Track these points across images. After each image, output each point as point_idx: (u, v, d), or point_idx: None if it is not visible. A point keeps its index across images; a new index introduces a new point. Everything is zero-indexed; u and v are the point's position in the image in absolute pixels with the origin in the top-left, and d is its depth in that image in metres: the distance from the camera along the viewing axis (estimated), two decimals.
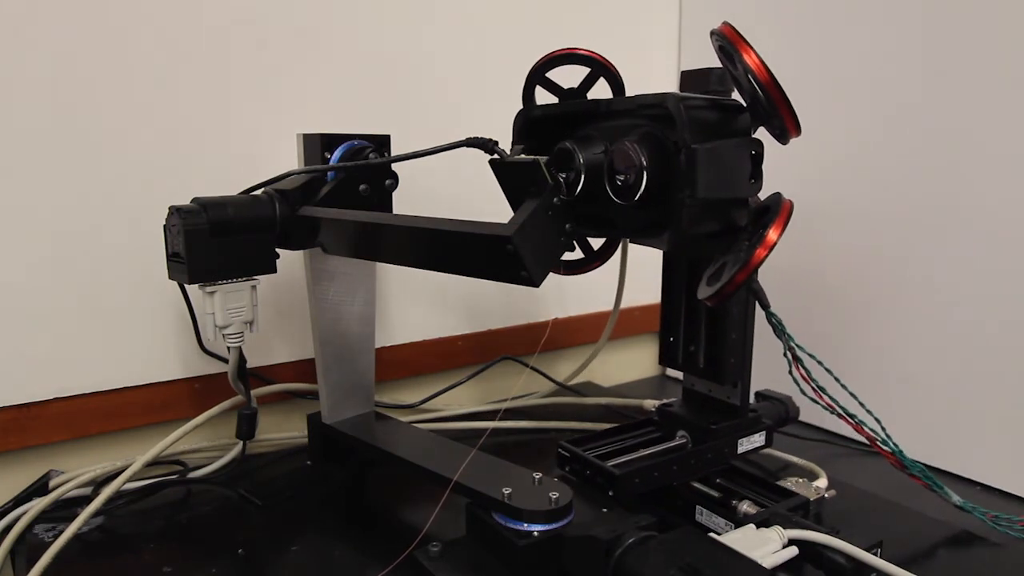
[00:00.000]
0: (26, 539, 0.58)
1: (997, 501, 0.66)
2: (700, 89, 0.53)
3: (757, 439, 0.60)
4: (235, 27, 0.70)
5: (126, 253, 0.68)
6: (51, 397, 0.66)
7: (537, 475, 0.54)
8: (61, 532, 0.56)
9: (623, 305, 0.82)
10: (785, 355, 0.49)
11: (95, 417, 0.68)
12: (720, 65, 0.49)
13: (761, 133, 0.48)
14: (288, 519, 0.61)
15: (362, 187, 0.64)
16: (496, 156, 0.52)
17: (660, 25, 0.99)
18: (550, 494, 0.50)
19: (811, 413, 0.64)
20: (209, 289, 0.59)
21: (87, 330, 0.67)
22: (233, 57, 0.71)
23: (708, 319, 0.59)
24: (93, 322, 0.67)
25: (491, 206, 0.60)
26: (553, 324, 0.96)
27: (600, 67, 0.56)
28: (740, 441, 0.59)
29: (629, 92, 0.54)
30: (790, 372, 0.50)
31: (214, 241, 0.57)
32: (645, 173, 0.46)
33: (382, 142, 0.66)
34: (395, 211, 0.68)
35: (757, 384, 0.61)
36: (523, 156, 0.51)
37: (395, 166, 0.65)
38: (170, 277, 0.60)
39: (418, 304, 0.86)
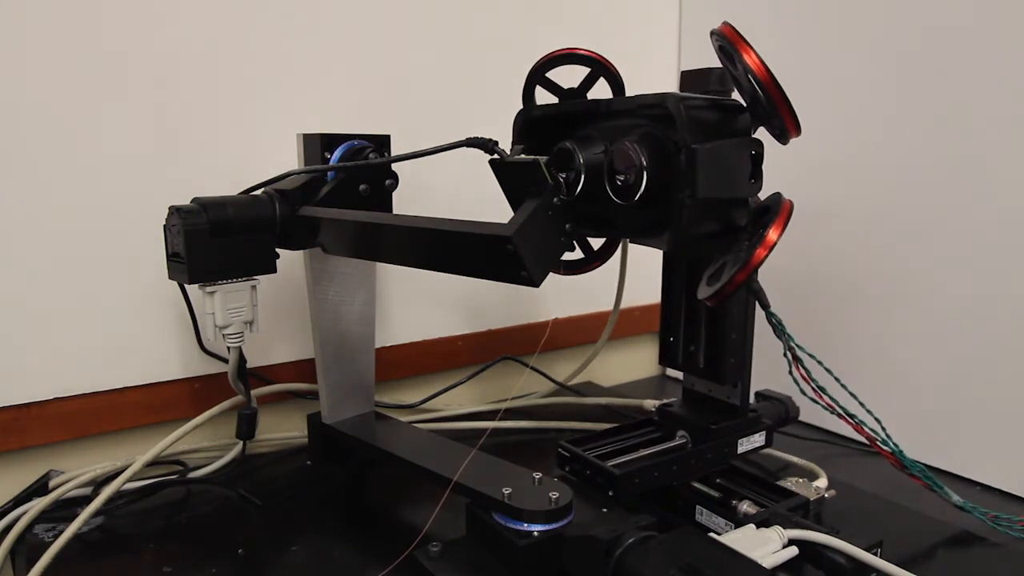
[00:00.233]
0: (26, 539, 0.58)
1: (997, 501, 0.66)
2: (700, 89, 0.53)
3: (757, 439, 0.60)
4: (235, 27, 0.70)
5: (126, 253, 0.68)
6: (51, 397, 0.66)
7: (537, 475, 0.54)
8: (61, 532, 0.56)
9: (623, 305, 0.82)
10: (785, 355, 0.49)
11: (95, 417, 0.68)
12: (720, 65, 0.49)
13: (761, 133, 0.48)
14: (288, 519, 0.61)
15: (362, 187, 0.64)
16: (496, 156, 0.52)
17: (660, 25, 0.99)
18: (550, 494, 0.50)
19: (811, 413, 0.64)
20: (209, 289, 0.59)
21: (87, 330, 0.67)
22: (233, 57, 0.71)
23: (708, 319, 0.59)
24: (93, 322, 0.67)
25: (491, 206, 0.60)
26: (553, 324, 0.96)
27: (600, 67, 0.56)
28: (740, 441, 0.59)
29: (629, 92, 0.54)
30: (790, 372, 0.50)
31: (214, 241, 0.57)
32: (645, 173, 0.46)
33: (382, 142, 0.66)
34: (395, 211, 0.68)
35: (757, 384, 0.61)
36: (523, 156, 0.51)
37: (395, 166, 0.65)
38: (170, 277, 0.60)
39: (418, 304, 0.86)
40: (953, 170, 0.69)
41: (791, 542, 0.46)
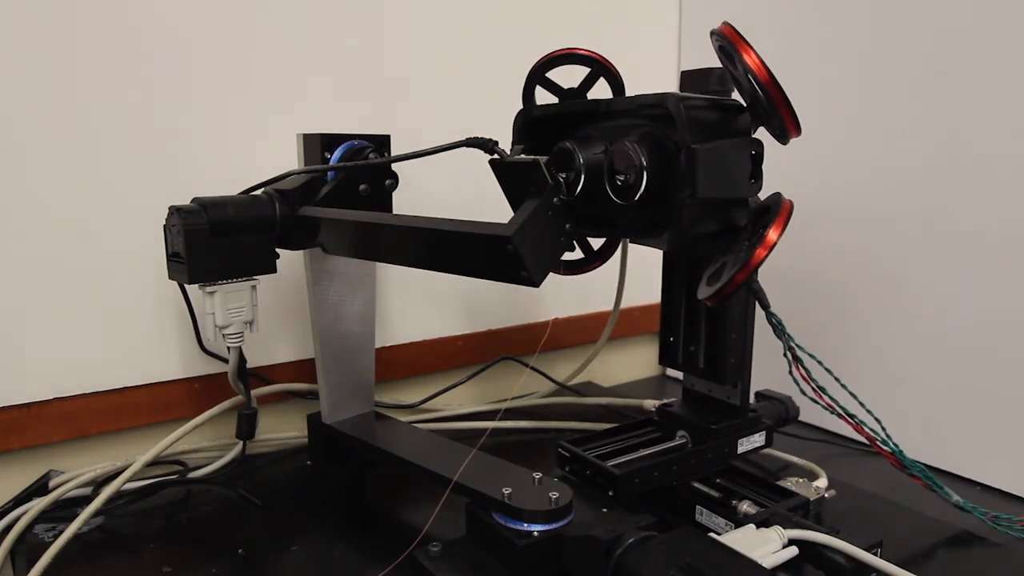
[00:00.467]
0: (26, 539, 0.58)
1: (997, 501, 0.66)
2: (700, 89, 0.53)
3: (757, 439, 0.60)
4: (235, 27, 0.70)
5: (126, 253, 0.68)
6: (51, 397, 0.66)
7: (537, 475, 0.54)
8: (61, 532, 0.56)
9: (623, 305, 0.82)
10: (785, 355, 0.49)
11: (95, 417, 0.68)
12: (720, 65, 0.49)
13: (761, 133, 0.48)
14: (288, 519, 0.61)
15: (362, 187, 0.64)
16: (496, 156, 0.52)
17: (660, 25, 0.99)
18: (550, 494, 0.50)
19: (811, 413, 0.64)
20: (209, 289, 0.59)
21: (87, 330, 0.67)
22: (233, 57, 0.71)
23: (708, 319, 0.59)
24: (93, 322, 0.67)
25: (491, 206, 0.60)
26: (553, 324, 0.95)
27: (600, 67, 0.56)
28: (740, 441, 0.59)
29: (629, 92, 0.54)
30: (790, 372, 0.50)
31: (214, 241, 0.57)
32: (645, 173, 0.46)
33: (382, 142, 0.66)
34: (395, 211, 0.68)
35: (757, 384, 0.61)
36: (523, 156, 0.51)
37: (395, 166, 0.65)
38: (170, 277, 0.60)
39: (418, 304, 0.86)
40: (953, 170, 0.69)
41: (791, 542, 0.46)
